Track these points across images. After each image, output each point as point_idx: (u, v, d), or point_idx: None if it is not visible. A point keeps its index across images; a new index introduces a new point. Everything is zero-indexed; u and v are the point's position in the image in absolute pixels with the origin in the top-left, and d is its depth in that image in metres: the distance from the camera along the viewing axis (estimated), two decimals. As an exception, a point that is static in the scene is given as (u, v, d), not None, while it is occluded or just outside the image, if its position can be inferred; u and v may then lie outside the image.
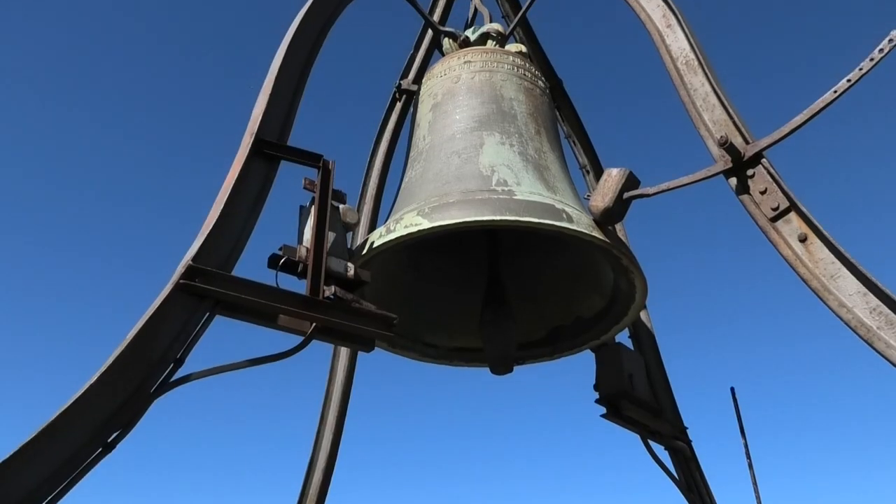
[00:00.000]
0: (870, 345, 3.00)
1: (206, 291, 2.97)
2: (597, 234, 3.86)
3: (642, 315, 5.53)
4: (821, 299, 3.16)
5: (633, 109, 17.22)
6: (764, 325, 16.70)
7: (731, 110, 3.67)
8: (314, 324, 3.19)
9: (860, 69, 3.23)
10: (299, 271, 3.34)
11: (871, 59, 3.19)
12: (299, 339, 3.18)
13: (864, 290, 3.04)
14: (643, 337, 5.49)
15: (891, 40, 3.17)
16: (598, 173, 6.03)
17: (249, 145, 3.50)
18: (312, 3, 4.26)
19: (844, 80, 3.25)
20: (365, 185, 5.68)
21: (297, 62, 3.97)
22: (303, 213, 3.60)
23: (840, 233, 3.24)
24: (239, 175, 3.35)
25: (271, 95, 3.69)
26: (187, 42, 16.63)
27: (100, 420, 2.61)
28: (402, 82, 5.89)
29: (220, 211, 3.20)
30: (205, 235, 3.13)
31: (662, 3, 4.26)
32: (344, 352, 5.21)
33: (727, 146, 3.45)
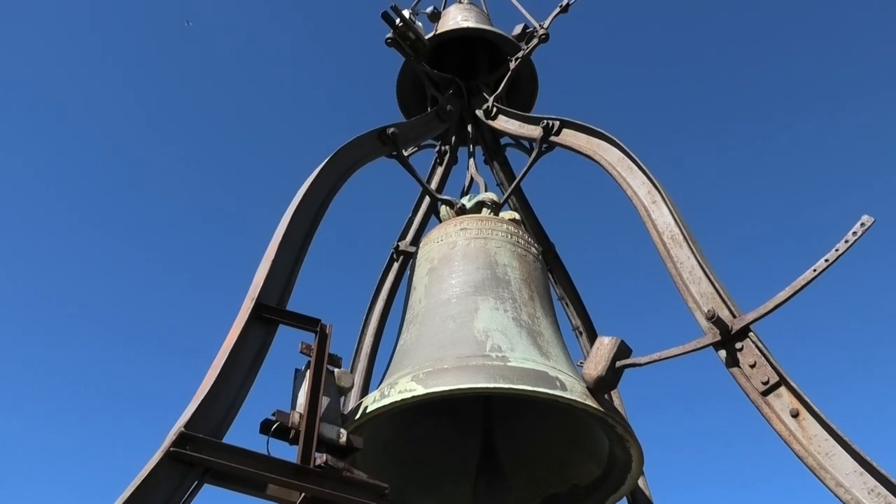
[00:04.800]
0: (872, 527, 2.93)
1: (197, 459, 2.93)
2: (591, 402, 3.87)
3: (640, 481, 5.39)
4: (818, 477, 3.13)
5: (625, 272, 17.72)
6: (762, 494, 16.24)
7: (716, 284, 3.81)
8: (303, 494, 3.11)
9: (836, 250, 3.40)
10: (291, 437, 3.31)
11: (846, 241, 3.38)
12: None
13: (860, 469, 3.02)
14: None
15: (862, 224, 3.37)
16: (591, 335, 6.11)
17: (249, 310, 3.58)
18: (318, 174, 4.52)
19: (822, 260, 3.41)
20: (360, 344, 5.73)
21: (300, 230, 4.16)
22: (297, 377, 3.62)
23: (829, 408, 3.27)
24: (237, 340, 3.41)
25: (273, 261, 3.82)
26: (187, 203, 17.33)
27: None
28: (399, 244, 6.12)
29: (215, 376, 3.23)
30: (199, 401, 3.13)
31: (647, 181, 4.53)
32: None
33: (714, 320, 3.55)
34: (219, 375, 3.24)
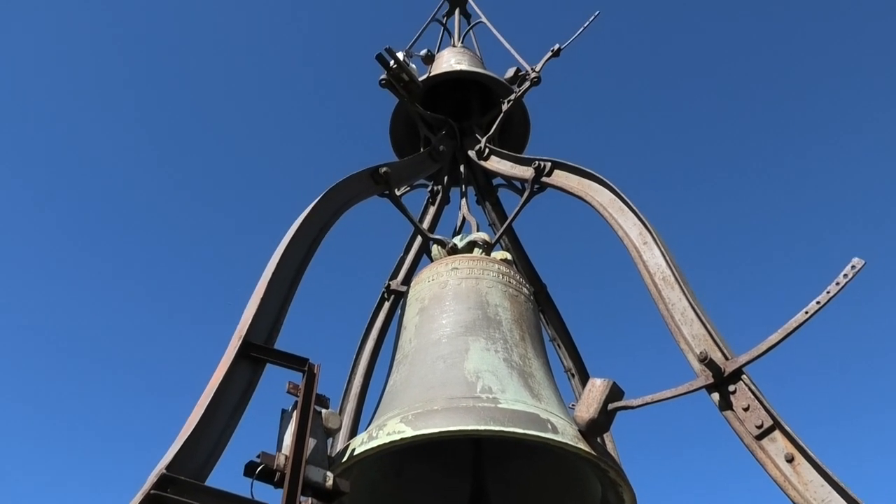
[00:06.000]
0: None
1: (178, 503, 2.85)
2: (582, 445, 3.80)
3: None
4: (815, 525, 3.06)
5: (617, 313, 17.71)
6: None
7: (708, 326, 3.79)
8: (287, 540, 3.03)
9: (828, 292, 3.40)
10: (276, 480, 3.23)
11: (837, 284, 3.38)
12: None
13: (857, 516, 2.96)
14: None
15: (853, 266, 3.38)
16: (583, 376, 6.06)
17: (237, 348, 3.53)
18: (310, 211, 4.52)
19: (814, 302, 3.40)
20: (349, 383, 5.66)
21: (290, 267, 4.13)
22: (284, 418, 3.55)
23: (824, 451, 3.23)
24: (224, 378, 3.35)
25: (262, 299, 3.79)
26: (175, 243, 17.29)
27: None
28: (390, 283, 6.09)
29: (200, 416, 3.16)
30: (182, 441, 3.06)
31: (638, 222, 4.54)
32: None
33: (707, 362, 3.52)
34: (203, 415, 3.18)
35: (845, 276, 3.38)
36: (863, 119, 17.26)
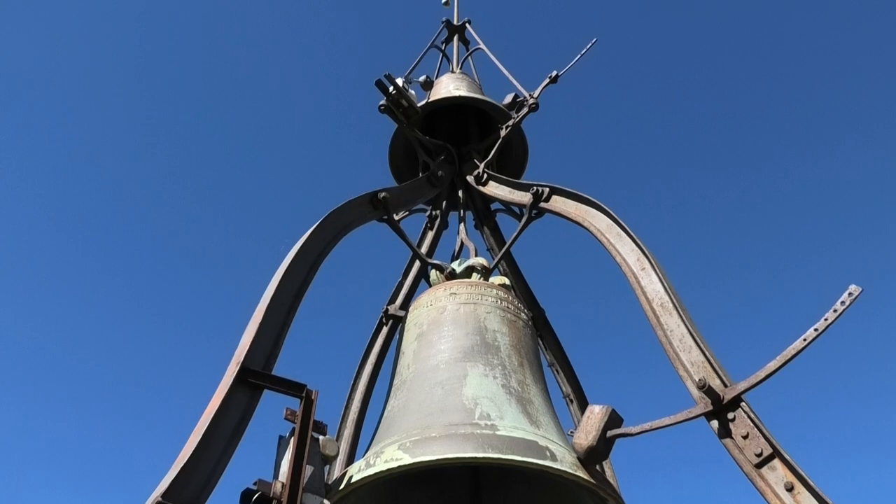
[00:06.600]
0: None
1: (172, 532, 2.82)
2: (581, 473, 3.78)
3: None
4: (815, 555, 3.04)
5: (616, 338, 17.69)
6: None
7: (707, 352, 3.78)
8: (283, 569, 3.00)
9: (825, 319, 3.40)
10: (272, 508, 3.21)
11: (835, 311, 3.38)
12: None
13: (857, 546, 2.93)
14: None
15: (850, 294, 3.38)
16: (582, 402, 6.03)
17: (234, 374, 3.52)
18: (309, 236, 4.52)
19: (812, 330, 3.41)
20: (347, 409, 5.63)
21: (288, 292, 4.13)
22: (281, 445, 3.53)
23: (824, 480, 3.21)
24: (221, 405, 3.34)
25: (260, 325, 3.78)
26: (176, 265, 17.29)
27: None
28: (389, 307, 6.09)
29: (196, 443, 3.14)
30: (178, 468, 3.04)
31: (636, 248, 4.55)
32: None
33: (706, 389, 3.51)
34: (200, 441, 3.16)
35: (843, 303, 3.38)
36: (859, 146, 17.40)
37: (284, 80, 18.99)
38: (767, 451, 3.32)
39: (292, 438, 3.47)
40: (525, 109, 6.56)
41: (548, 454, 3.74)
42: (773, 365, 3.45)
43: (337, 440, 5.41)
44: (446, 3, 8.51)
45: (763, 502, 3.32)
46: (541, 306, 6.33)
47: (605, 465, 5.36)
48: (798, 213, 18.02)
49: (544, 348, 6.16)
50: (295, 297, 4.15)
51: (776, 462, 3.30)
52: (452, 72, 7.73)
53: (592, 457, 3.78)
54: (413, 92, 6.47)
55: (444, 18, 8.25)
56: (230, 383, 3.46)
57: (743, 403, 3.53)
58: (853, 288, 3.41)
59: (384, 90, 6.09)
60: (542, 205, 5.48)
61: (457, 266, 5.60)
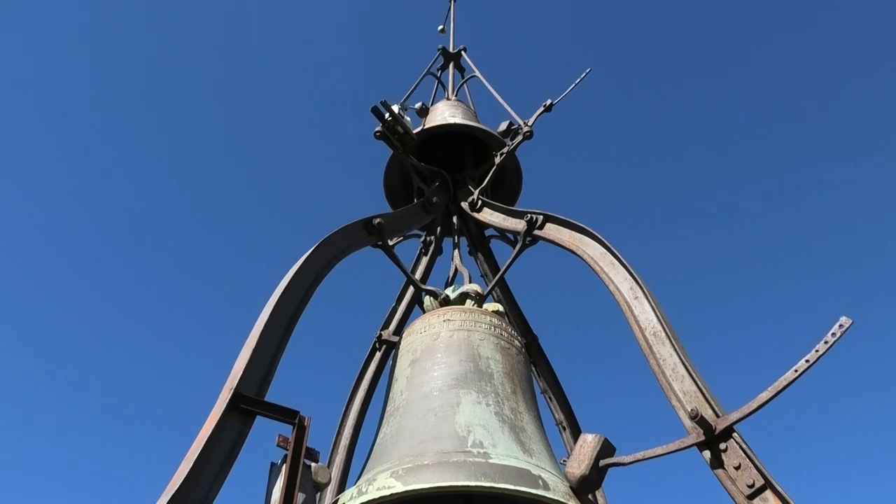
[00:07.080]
0: None
1: (162, 561, 2.80)
2: (574, 502, 3.76)
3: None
4: (807, 588, 3.03)
5: (609, 366, 17.69)
6: None
7: (699, 382, 3.80)
8: None
9: (816, 350, 3.43)
10: (263, 537, 3.19)
11: (826, 343, 3.41)
12: None
13: (849, 579, 2.93)
14: None
15: (841, 325, 3.42)
16: (575, 429, 6.02)
17: (227, 400, 3.51)
18: (303, 262, 4.54)
19: (803, 361, 3.43)
20: (339, 436, 5.61)
21: (282, 318, 4.13)
22: (273, 472, 3.52)
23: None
24: (213, 431, 3.33)
25: (254, 351, 3.78)
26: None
27: None
28: (382, 333, 6.08)
29: (188, 469, 3.13)
30: (169, 496, 3.03)
31: (629, 277, 4.58)
32: None
33: (698, 419, 3.52)
34: (192, 469, 3.15)
35: (833, 335, 3.42)
36: (850, 181, 17.58)
37: (281, 105, 19.12)
38: (759, 482, 3.32)
39: (284, 465, 3.46)
40: (520, 137, 6.62)
41: (540, 483, 3.73)
42: (764, 396, 3.48)
43: (328, 466, 5.38)
44: (442, 31, 8.63)
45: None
46: (534, 332, 6.34)
47: (598, 494, 5.34)
48: (791, 243, 18.17)
49: (537, 375, 6.16)
50: (289, 323, 4.16)
51: (768, 493, 3.30)
52: (448, 99, 7.81)
53: (585, 486, 3.78)
54: (409, 118, 6.52)
55: (440, 46, 8.37)
56: (223, 409, 3.45)
57: (735, 434, 3.54)
58: (844, 320, 3.44)
59: (380, 117, 6.14)
60: (536, 232, 5.51)
61: (451, 292, 5.61)
